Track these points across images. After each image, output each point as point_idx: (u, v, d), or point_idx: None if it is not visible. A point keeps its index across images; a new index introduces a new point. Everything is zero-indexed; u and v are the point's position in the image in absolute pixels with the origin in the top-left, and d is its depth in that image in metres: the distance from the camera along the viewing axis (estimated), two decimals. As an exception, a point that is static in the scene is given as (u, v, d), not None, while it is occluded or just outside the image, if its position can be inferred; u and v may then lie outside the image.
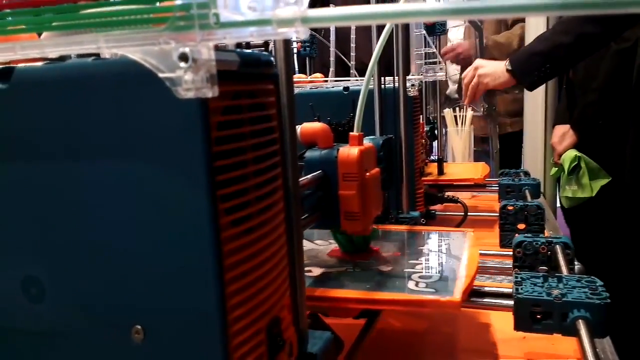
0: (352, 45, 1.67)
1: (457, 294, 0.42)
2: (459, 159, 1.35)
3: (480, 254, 0.76)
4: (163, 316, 0.24)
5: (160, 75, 0.21)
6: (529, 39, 1.44)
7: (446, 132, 1.44)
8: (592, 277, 0.49)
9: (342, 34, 1.67)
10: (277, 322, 0.27)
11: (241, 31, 0.19)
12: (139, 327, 0.24)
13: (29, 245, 0.26)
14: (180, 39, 0.20)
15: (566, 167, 1.22)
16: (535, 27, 1.36)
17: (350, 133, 0.50)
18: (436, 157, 1.16)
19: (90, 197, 0.24)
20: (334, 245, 0.56)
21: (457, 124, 1.38)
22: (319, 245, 0.58)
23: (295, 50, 1.71)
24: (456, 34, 1.78)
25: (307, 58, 1.66)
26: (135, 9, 0.21)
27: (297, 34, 0.19)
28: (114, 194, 0.24)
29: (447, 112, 1.42)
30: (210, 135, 0.22)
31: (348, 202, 0.48)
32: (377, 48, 0.55)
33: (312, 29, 1.57)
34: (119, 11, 0.21)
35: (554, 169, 1.35)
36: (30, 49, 0.23)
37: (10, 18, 0.23)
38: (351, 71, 1.59)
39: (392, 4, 0.18)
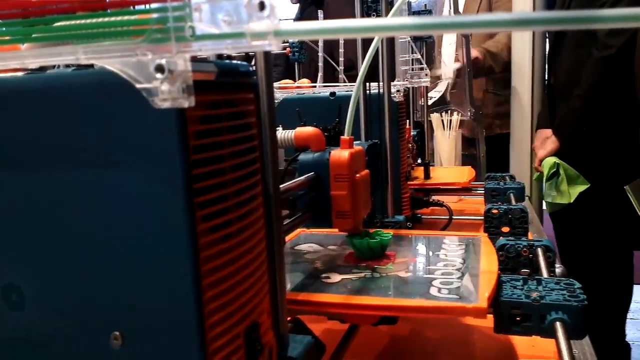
0: (341, 50, 1.68)
1: (482, 301, 0.42)
2: (446, 162, 1.36)
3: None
4: (141, 322, 0.24)
5: (138, 85, 0.21)
6: (515, 48, 1.46)
7: (434, 135, 1.45)
8: (571, 279, 0.50)
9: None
10: (255, 327, 0.27)
11: (216, 43, 0.20)
12: (117, 333, 0.25)
13: (9, 254, 0.26)
14: (157, 51, 0.21)
15: (545, 173, 1.24)
16: (520, 37, 1.38)
17: (342, 137, 0.53)
18: (423, 161, 1.17)
19: (69, 206, 0.24)
20: (347, 250, 0.56)
21: (444, 127, 1.39)
22: (333, 250, 0.58)
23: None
24: (449, 48, 1.80)
25: (296, 63, 1.67)
26: (113, 21, 0.21)
27: (271, 47, 0.19)
28: (92, 203, 0.24)
29: (435, 116, 1.43)
30: (188, 144, 0.23)
31: (339, 202, 0.51)
32: (367, 58, 0.56)
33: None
34: (98, 23, 0.21)
35: (537, 174, 1.36)
36: (10, 60, 0.23)
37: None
38: (340, 75, 1.60)
39: (364, 19, 0.18)
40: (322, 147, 0.53)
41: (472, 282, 0.47)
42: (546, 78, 1.47)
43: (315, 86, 0.96)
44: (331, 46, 1.73)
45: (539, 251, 0.61)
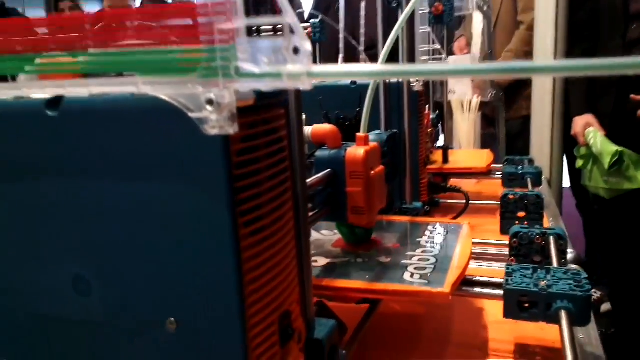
0: (362, 30, 1.68)
1: (446, 287, 0.46)
2: (465, 145, 1.38)
3: (481, 243, 0.80)
4: (193, 311, 0.28)
5: (190, 114, 0.25)
6: (538, 35, 1.45)
7: (453, 118, 1.47)
8: (578, 269, 0.53)
9: (352, 11, 1.69)
10: (287, 315, 0.31)
11: (257, 81, 0.23)
12: (172, 319, 0.29)
13: (80, 250, 0.30)
14: (207, 85, 0.24)
15: (607, 162, 1.27)
16: (543, 22, 1.37)
17: (357, 134, 0.55)
18: (442, 145, 1.19)
19: (131, 212, 0.29)
20: (338, 236, 0.60)
21: (463, 110, 1.40)
22: (325, 235, 0.62)
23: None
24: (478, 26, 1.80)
25: (317, 44, 1.68)
26: (169, 58, 0.25)
27: (304, 86, 0.23)
28: (152, 210, 0.28)
29: (455, 99, 1.45)
30: (232, 161, 0.27)
31: (355, 198, 0.53)
32: (385, 49, 0.58)
33: (321, 13, 1.58)
34: (157, 59, 0.25)
35: (580, 162, 1.39)
36: (78, 87, 0.27)
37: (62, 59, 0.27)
38: (361, 57, 1.61)
39: (387, 65, 0.21)
40: (338, 144, 0.55)
41: (443, 269, 0.51)
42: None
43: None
44: (352, 26, 1.74)
45: (551, 239, 0.63)
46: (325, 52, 1.80)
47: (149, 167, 0.28)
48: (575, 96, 1.44)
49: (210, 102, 0.24)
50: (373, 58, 1.48)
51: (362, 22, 1.63)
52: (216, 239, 0.27)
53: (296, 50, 0.22)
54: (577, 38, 1.46)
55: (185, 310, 0.29)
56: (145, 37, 0.24)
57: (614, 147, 1.27)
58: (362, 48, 1.60)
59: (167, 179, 0.27)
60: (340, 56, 1.64)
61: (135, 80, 0.26)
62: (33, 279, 0.32)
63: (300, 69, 0.22)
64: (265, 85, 0.23)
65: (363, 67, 0.22)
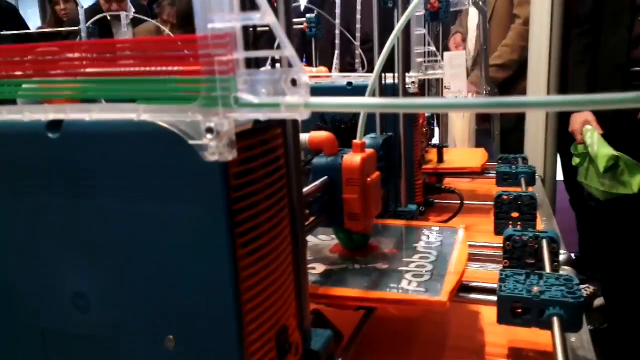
0: (358, 25, 1.68)
1: (444, 295, 0.47)
2: (459, 143, 1.39)
3: (475, 245, 0.81)
4: (191, 328, 0.29)
5: (190, 142, 0.25)
6: (533, 27, 1.46)
7: (448, 116, 1.47)
8: (570, 274, 0.54)
9: (347, 4, 1.69)
10: (284, 330, 0.32)
11: (255, 110, 0.24)
12: (171, 337, 0.29)
13: (79, 267, 0.31)
14: (207, 114, 0.25)
15: (602, 165, 1.26)
16: (538, 14, 1.37)
17: (353, 141, 0.55)
18: (437, 143, 1.19)
19: (130, 233, 0.29)
20: (336, 240, 0.61)
21: (459, 108, 1.41)
22: (323, 240, 0.63)
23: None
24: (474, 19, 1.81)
25: (312, 39, 1.68)
26: (170, 87, 0.25)
27: (301, 116, 0.23)
28: (151, 230, 0.29)
29: (449, 96, 1.45)
30: (230, 184, 0.27)
31: (351, 205, 0.53)
32: (380, 59, 0.58)
33: (317, 8, 1.58)
34: (159, 87, 0.25)
35: (577, 159, 1.40)
36: (79, 112, 0.27)
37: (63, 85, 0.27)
38: (356, 52, 1.61)
39: (387, 99, 0.22)
40: (334, 151, 0.55)
41: (440, 276, 0.51)
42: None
43: (330, 76, 0.99)
44: (347, 19, 1.74)
45: (544, 242, 0.64)
46: (320, 45, 1.80)
47: (148, 189, 0.28)
48: (575, 93, 1.44)
49: (209, 130, 0.24)
50: (368, 52, 1.48)
51: (358, 16, 1.63)
52: (214, 260, 0.28)
53: (294, 82, 0.23)
54: (578, 32, 1.45)
55: (183, 328, 0.29)
56: (147, 65, 0.25)
57: (610, 151, 1.26)
58: (358, 43, 1.60)
59: (166, 201, 0.28)
60: (336, 52, 1.64)
61: (136, 107, 0.26)
62: (33, 294, 0.33)
63: (297, 100, 0.23)
64: (264, 115, 0.24)
65: (360, 100, 0.22)
